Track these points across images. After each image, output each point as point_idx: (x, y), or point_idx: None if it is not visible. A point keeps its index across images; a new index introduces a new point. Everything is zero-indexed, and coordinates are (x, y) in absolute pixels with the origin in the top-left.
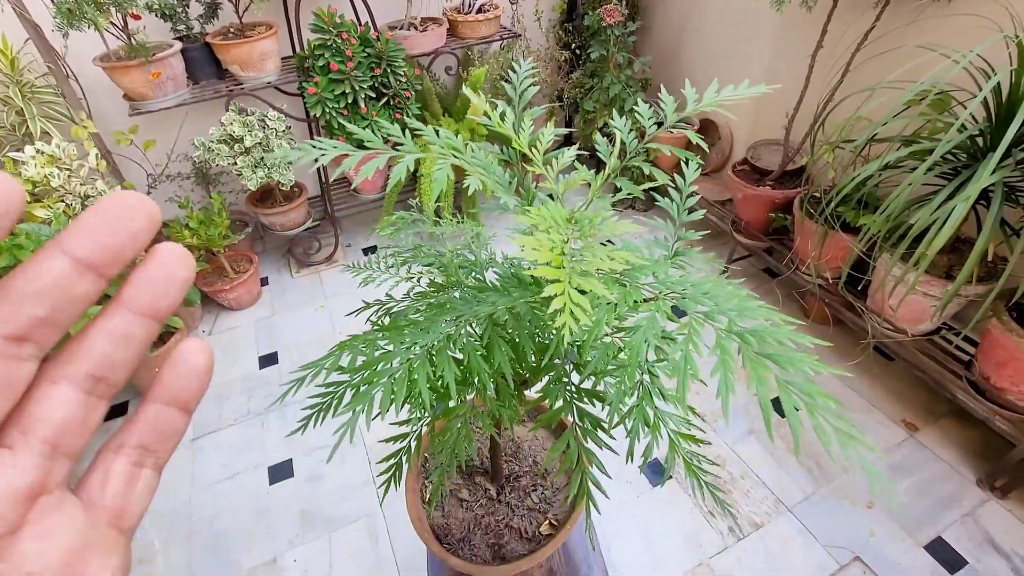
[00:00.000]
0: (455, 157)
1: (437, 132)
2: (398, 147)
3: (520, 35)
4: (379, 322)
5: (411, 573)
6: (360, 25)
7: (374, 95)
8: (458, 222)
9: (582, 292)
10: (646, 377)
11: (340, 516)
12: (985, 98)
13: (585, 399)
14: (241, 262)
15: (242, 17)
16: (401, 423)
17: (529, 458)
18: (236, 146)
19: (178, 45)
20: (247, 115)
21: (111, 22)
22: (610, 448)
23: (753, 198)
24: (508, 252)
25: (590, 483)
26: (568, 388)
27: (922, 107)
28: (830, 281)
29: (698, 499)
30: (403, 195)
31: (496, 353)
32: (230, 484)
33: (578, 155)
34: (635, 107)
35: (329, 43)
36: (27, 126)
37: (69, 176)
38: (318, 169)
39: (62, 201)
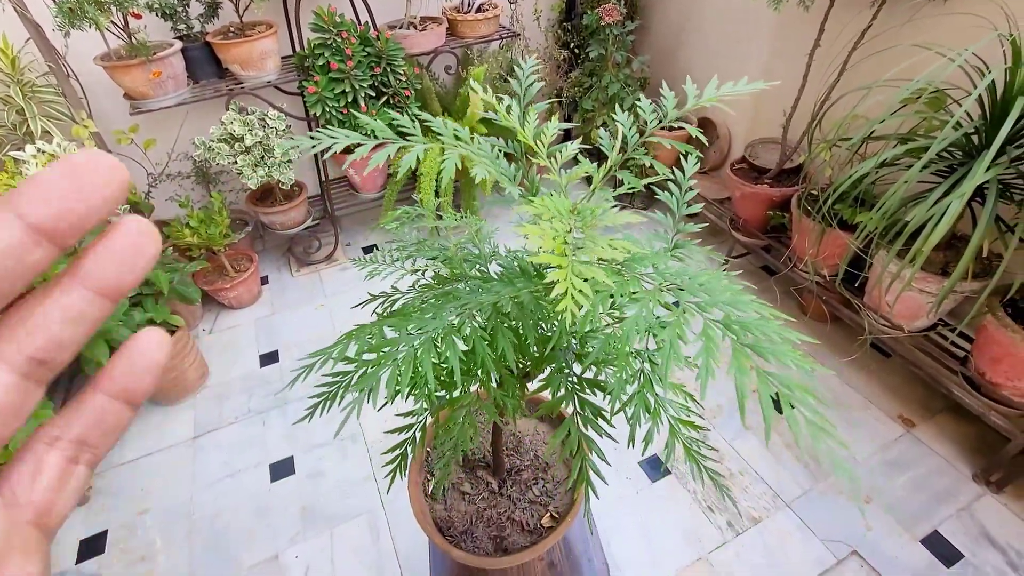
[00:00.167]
0: (463, 148)
1: (445, 123)
2: (408, 138)
3: (519, 34)
4: (384, 314)
5: (413, 567)
6: (360, 24)
7: (374, 94)
8: (460, 217)
9: (584, 280)
10: (646, 365)
11: (341, 512)
12: (980, 96)
13: (586, 388)
14: (241, 261)
15: (242, 16)
16: (406, 414)
17: (530, 452)
18: (236, 145)
19: (178, 44)
20: (247, 114)
21: (112, 21)
22: (610, 436)
23: (751, 196)
24: (510, 246)
25: (590, 470)
26: (570, 378)
27: (918, 105)
28: (827, 278)
29: (698, 492)
30: (402, 194)
31: (500, 340)
32: (231, 482)
33: (580, 149)
34: (637, 102)
35: (329, 42)
36: (28, 125)
37: None
38: (317, 168)
39: None
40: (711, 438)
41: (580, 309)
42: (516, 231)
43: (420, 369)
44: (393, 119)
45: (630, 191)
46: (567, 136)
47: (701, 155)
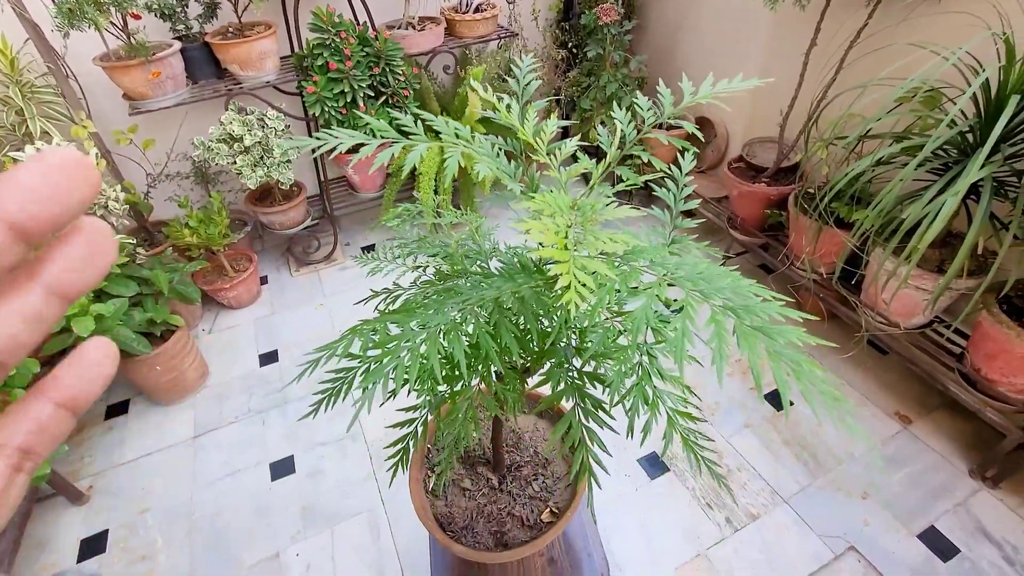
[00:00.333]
0: (465, 146)
1: (447, 122)
2: (411, 136)
3: (517, 34)
4: (387, 310)
5: (413, 565)
6: (358, 24)
7: (372, 94)
8: (461, 214)
9: (588, 273)
10: (645, 358)
11: (342, 511)
12: (974, 94)
13: (586, 382)
14: (241, 261)
15: (241, 17)
16: (408, 409)
17: (530, 448)
18: (235, 145)
19: (177, 45)
20: (246, 114)
21: (111, 22)
22: (610, 428)
23: (749, 195)
24: (510, 243)
25: (591, 460)
26: (569, 372)
27: (913, 104)
28: (824, 276)
29: (696, 489)
30: (401, 194)
31: (503, 332)
32: (231, 481)
33: (579, 147)
34: (635, 101)
35: (328, 42)
36: (27, 126)
37: None
38: (316, 168)
39: None
40: (709, 434)
41: (584, 302)
42: (516, 226)
43: (426, 363)
44: (395, 118)
45: (629, 188)
46: (565, 135)
47: (698, 150)
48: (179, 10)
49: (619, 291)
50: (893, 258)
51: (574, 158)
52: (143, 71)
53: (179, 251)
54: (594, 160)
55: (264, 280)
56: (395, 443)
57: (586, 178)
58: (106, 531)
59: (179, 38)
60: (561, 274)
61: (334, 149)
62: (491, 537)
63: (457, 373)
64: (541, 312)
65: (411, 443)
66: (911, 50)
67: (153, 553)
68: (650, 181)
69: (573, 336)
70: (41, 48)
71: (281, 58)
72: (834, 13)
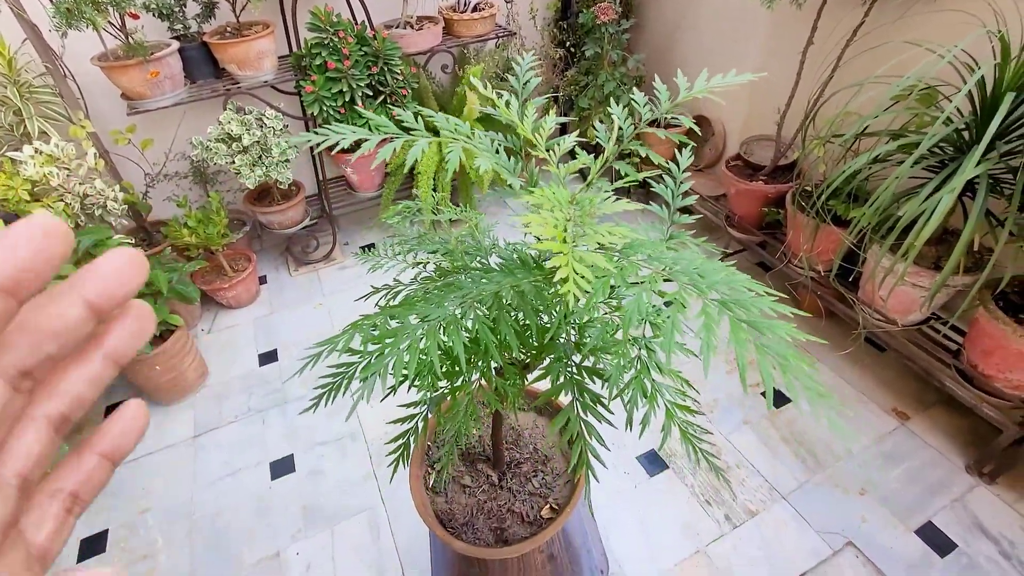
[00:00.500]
0: (465, 142)
1: (447, 119)
2: (411, 132)
3: (515, 33)
4: (387, 306)
5: (413, 563)
6: (357, 24)
7: (371, 93)
8: (460, 211)
9: (586, 266)
10: (643, 352)
11: (342, 510)
12: (970, 92)
13: (585, 376)
14: (239, 260)
15: (239, 16)
16: (408, 405)
17: (530, 445)
18: (234, 145)
19: (175, 44)
20: (245, 114)
21: (109, 22)
22: (608, 422)
23: (746, 193)
24: (509, 240)
25: (590, 454)
26: (568, 367)
27: (909, 101)
28: (822, 273)
29: (695, 486)
30: (400, 193)
31: (503, 327)
32: (231, 481)
33: (577, 143)
34: (632, 96)
35: (326, 42)
36: (25, 126)
37: (68, 175)
38: (315, 167)
39: (61, 200)
40: (708, 430)
41: (582, 294)
42: (516, 219)
43: (426, 356)
44: (396, 114)
45: (628, 186)
46: (564, 133)
47: (695, 144)
48: (177, 10)
49: (617, 286)
50: (890, 255)
51: (572, 155)
52: (141, 71)
53: (178, 251)
54: (592, 156)
55: (263, 280)
56: (396, 439)
57: (583, 174)
58: (106, 531)
59: (177, 38)
60: (560, 266)
61: (333, 147)
62: (491, 533)
63: (457, 368)
64: (541, 307)
65: (411, 439)
66: (907, 48)
67: (153, 553)
68: (648, 178)
69: (572, 332)
70: (39, 48)
71: (279, 58)
72: (831, 11)
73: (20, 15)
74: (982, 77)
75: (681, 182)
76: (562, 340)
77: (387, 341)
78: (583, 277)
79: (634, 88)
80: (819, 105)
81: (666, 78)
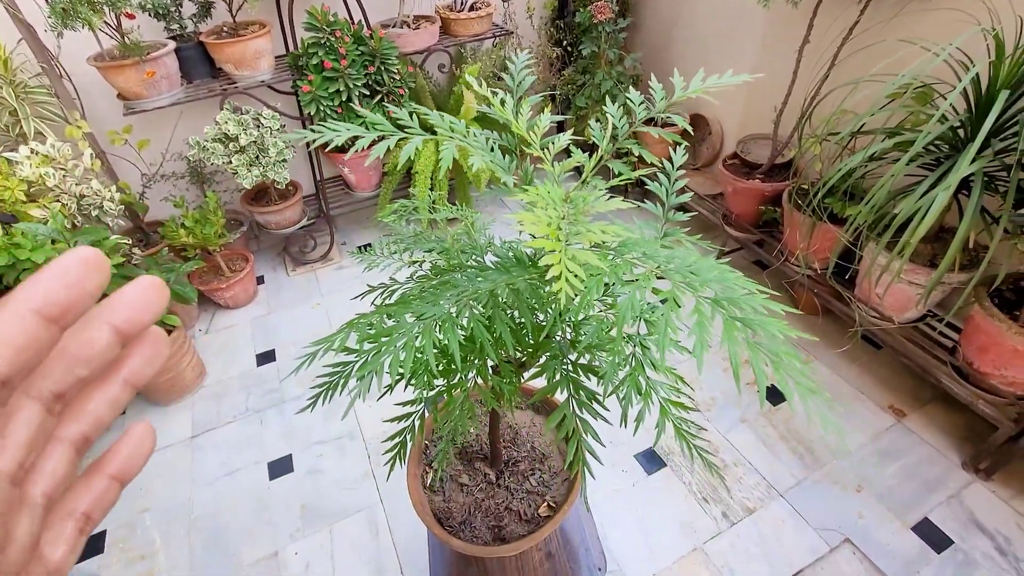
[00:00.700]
0: (460, 140)
1: (443, 117)
2: (406, 130)
3: (512, 32)
4: (383, 304)
5: (412, 562)
6: (353, 23)
7: (368, 93)
8: (456, 210)
9: (579, 264)
10: (638, 350)
11: (340, 509)
12: (965, 89)
13: (580, 374)
14: (237, 261)
15: (235, 16)
16: (406, 403)
17: (527, 443)
18: (231, 145)
19: (172, 44)
20: (242, 114)
21: (105, 22)
22: (604, 419)
23: (743, 191)
24: (505, 238)
25: (585, 451)
26: (564, 365)
27: (905, 99)
28: (818, 272)
29: (693, 484)
30: (397, 192)
31: (498, 324)
32: (230, 480)
33: (572, 141)
34: (628, 96)
35: (323, 41)
36: (21, 126)
37: (64, 176)
38: (312, 167)
39: (58, 201)
40: (705, 428)
41: (575, 293)
42: (511, 217)
43: (422, 355)
44: (392, 112)
45: (624, 184)
46: (560, 131)
47: (688, 144)
48: (173, 10)
49: (611, 284)
50: (886, 253)
51: (568, 153)
52: (137, 71)
53: (175, 251)
54: (587, 154)
55: (260, 280)
56: (392, 437)
57: (579, 171)
58: (104, 531)
59: (173, 38)
60: (552, 264)
61: (330, 145)
62: (489, 532)
63: (453, 367)
64: (536, 305)
65: (408, 438)
66: (902, 46)
67: (152, 553)
68: (644, 176)
69: (568, 329)
70: (35, 48)
71: (276, 57)
72: (827, 9)
73: (15, 15)
74: (976, 75)
75: (676, 180)
76: (558, 338)
77: (383, 340)
78: (575, 275)
79: (631, 87)
80: (815, 103)
81: (663, 77)
